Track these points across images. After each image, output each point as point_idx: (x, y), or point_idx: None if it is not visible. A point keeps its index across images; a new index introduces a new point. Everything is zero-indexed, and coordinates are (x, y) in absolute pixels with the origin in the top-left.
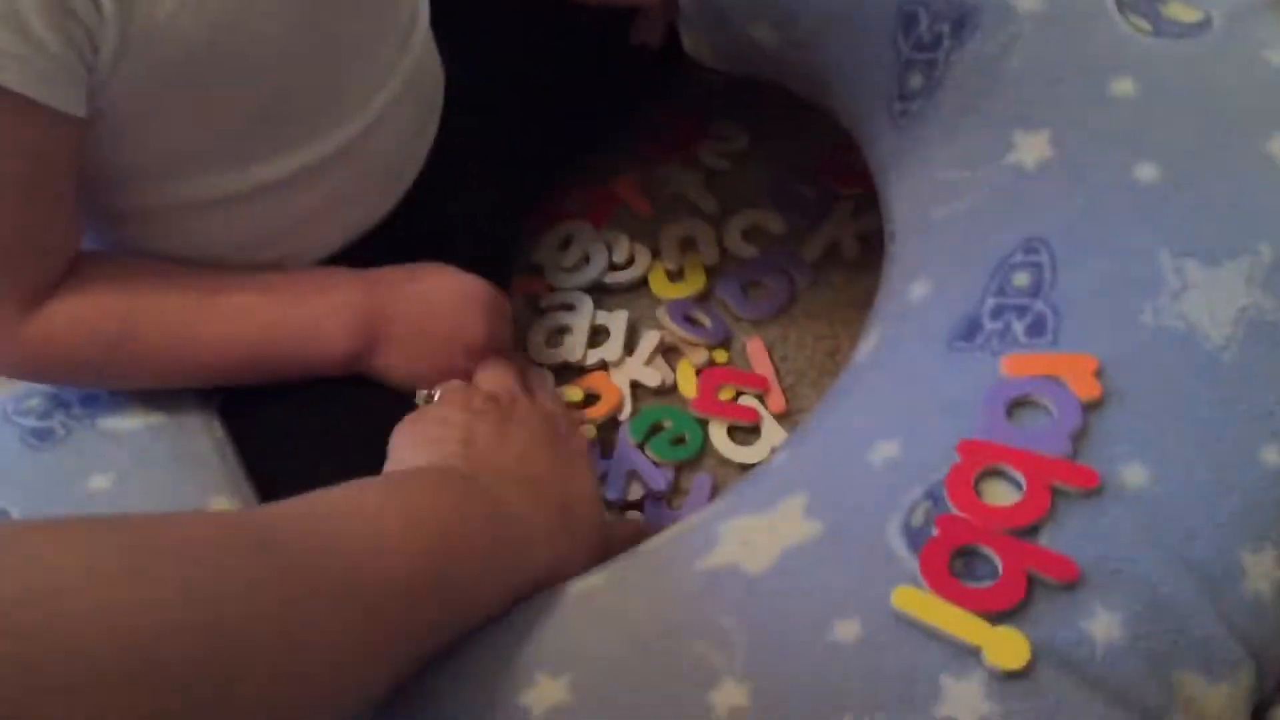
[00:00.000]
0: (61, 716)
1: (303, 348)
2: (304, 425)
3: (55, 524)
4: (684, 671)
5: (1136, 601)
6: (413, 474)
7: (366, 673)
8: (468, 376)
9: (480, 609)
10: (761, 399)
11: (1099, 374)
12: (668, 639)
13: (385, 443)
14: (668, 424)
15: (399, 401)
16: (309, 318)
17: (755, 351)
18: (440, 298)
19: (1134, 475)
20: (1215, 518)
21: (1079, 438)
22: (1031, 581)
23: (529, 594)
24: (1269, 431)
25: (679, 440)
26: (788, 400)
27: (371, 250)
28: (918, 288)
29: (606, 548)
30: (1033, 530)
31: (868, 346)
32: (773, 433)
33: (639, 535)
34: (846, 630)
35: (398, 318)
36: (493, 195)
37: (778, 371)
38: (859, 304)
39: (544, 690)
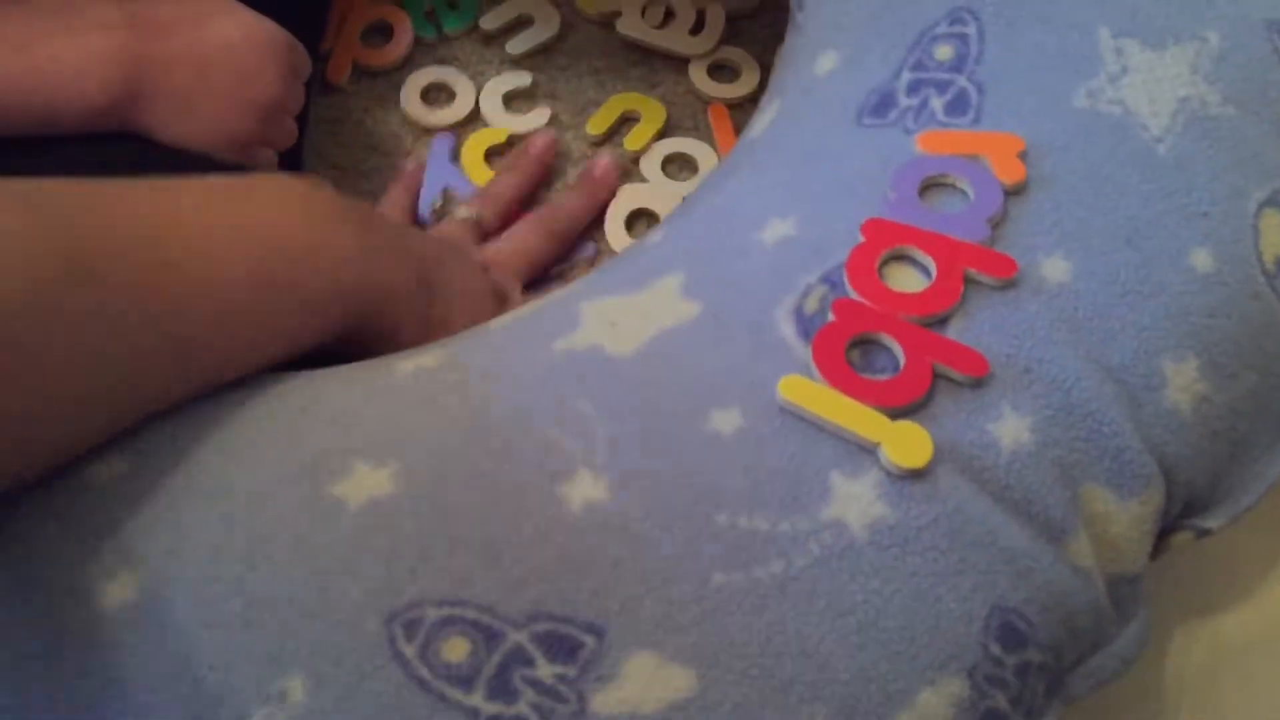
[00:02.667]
0: None
1: (46, 102)
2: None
3: None
4: (532, 460)
5: (1048, 405)
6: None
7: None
8: (260, 140)
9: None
10: None
11: (1024, 156)
12: (514, 425)
13: None
14: None
15: (173, 159)
16: (51, 67)
17: None
18: (226, 43)
19: (1054, 269)
20: (1139, 321)
21: (998, 224)
22: (936, 376)
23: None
24: (1201, 233)
25: None
26: None
27: None
28: (826, 60)
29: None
30: (941, 321)
31: (764, 120)
32: None
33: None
34: (725, 421)
35: (173, 66)
36: None
37: None
38: None
39: (362, 481)
